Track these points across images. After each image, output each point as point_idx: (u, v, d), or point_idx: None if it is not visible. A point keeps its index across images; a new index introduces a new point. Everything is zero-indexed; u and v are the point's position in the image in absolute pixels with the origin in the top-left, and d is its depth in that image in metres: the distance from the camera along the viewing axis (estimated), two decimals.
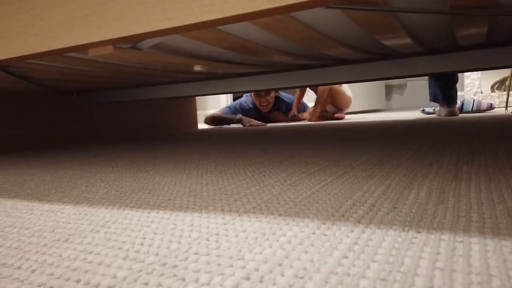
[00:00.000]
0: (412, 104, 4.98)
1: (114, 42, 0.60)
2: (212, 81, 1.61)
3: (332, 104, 2.78)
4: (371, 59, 1.26)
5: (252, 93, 2.84)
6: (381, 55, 1.22)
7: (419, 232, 0.33)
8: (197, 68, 1.24)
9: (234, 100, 3.77)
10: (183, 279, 0.27)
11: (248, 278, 0.27)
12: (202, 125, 2.89)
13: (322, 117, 2.81)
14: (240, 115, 2.79)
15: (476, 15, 0.63)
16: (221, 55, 1.07)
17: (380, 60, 1.26)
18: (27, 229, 0.43)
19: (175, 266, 0.30)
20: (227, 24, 0.52)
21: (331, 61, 1.28)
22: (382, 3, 0.62)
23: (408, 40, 0.93)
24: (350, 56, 1.18)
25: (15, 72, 1.11)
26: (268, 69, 1.41)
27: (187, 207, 0.48)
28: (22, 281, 0.29)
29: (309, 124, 2.39)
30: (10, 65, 1.02)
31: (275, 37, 0.88)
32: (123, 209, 0.49)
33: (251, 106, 2.88)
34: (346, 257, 0.29)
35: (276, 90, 2.85)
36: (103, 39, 0.58)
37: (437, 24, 0.83)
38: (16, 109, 1.63)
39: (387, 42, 0.94)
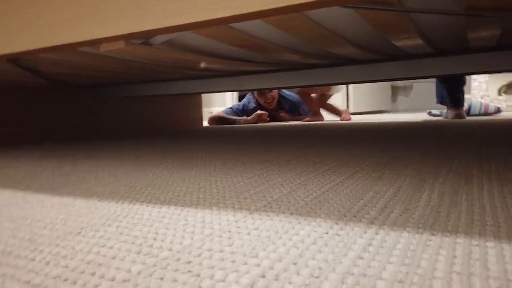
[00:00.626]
0: (417, 106, 4.96)
1: (126, 37, 0.60)
2: (220, 79, 1.61)
3: (312, 92, 2.73)
4: (380, 59, 1.26)
5: (256, 93, 2.84)
6: (390, 56, 1.21)
7: (433, 235, 0.33)
8: (206, 65, 1.24)
9: (239, 98, 3.77)
10: (198, 275, 0.27)
11: (263, 276, 0.27)
12: (207, 123, 2.89)
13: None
14: (245, 117, 2.80)
15: (492, 17, 0.62)
16: (230, 52, 1.07)
17: (389, 61, 1.25)
18: (39, 221, 0.43)
19: (189, 262, 0.30)
20: (240, 21, 0.52)
21: (340, 60, 1.28)
22: (397, 3, 0.62)
23: (419, 41, 0.93)
24: (359, 56, 1.18)
25: (26, 66, 1.11)
26: (276, 68, 1.41)
27: (198, 204, 0.48)
28: (37, 273, 0.29)
29: (315, 124, 2.39)
30: (21, 59, 1.03)
31: (286, 35, 0.88)
32: (134, 204, 0.49)
33: (254, 105, 2.88)
34: (361, 258, 0.29)
35: (285, 89, 2.85)
36: (116, 34, 0.58)
37: (450, 25, 0.83)
38: (23, 103, 1.63)
39: (398, 43, 0.93)
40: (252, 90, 2.85)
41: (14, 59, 1.03)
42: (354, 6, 0.59)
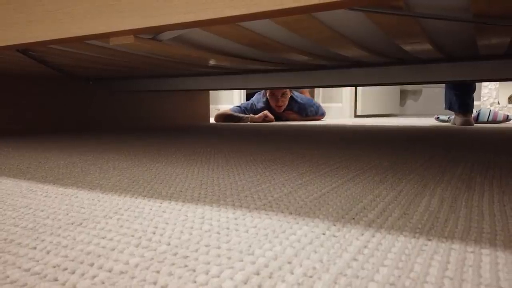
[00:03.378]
0: (426, 111, 4.94)
1: (135, 32, 0.61)
2: (227, 76, 1.61)
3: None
4: (389, 63, 1.26)
5: (268, 94, 2.85)
6: (399, 60, 1.21)
7: (429, 240, 0.33)
8: (214, 62, 1.25)
9: (247, 96, 3.78)
10: (194, 270, 0.28)
11: (258, 274, 0.27)
12: (213, 120, 2.90)
13: None
14: (251, 115, 2.81)
15: (500, 25, 0.62)
16: (239, 50, 1.07)
17: (397, 65, 1.25)
18: (42, 210, 0.44)
19: (186, 257, 0.30)
20: (250, 20, 0.52)
21: (348, 62, 1.28)
22: (405, 8, 0.62)
23: (428, 46, 0.92)
24: (368, 58, 1.18)
25: (35, 57, 1.13)
26: (284, 67, 1.41)
27: (198, 200, 0.48)
28: (38, 261, 0.30)
29: (322, 125, 2.39)
30: (31, 49, 1.04)
31: (294, 36, 0.88)
32: (136, 198, 0.50)
33: (263, 105, 2.89)
34: (355, 260, 0.29)
35: (291, 89, 2.87)
36: (125, 28, 0.59)
37: (459, 31, 0.82)
38: (33, 94, 1.65)
39: (407, 47, 0.93)
40: (259, 89, 2.87)
41: (24, 49, 1.05)
42: (363, 9, 0.59)
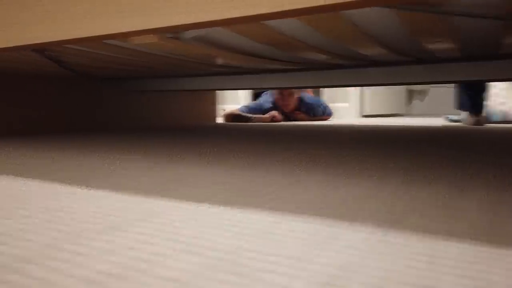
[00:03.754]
0: (432, 111, 4.91)
1: (137, 33, 0.59)
2: (241, 76, 1.60)
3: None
4: (405, 61, 1.24)
5: (276, 94, 2.86)
6: (417, 59, 1.19)
7: (488, 246, 0.32)
8: (231, 61, 1.24)
9: (254, 96, 3.77)
10: (248, 276, 0.27)
11: (324, 283, 0.26)
12: (222, 119, 2.89)
13: None
14: (259, 115, 2.81)
15: None
16: (257, 49, 1.06)
17: (415, 64, 1.23)
18: (74, 213, 0.43)
19: (239, 264, 0.29)
20: (276, 19, 0.51)
21: (366, 62, 1.26)
22: (436, 5, 0.60)
23: (451, 45, 0.91)
24: (386, 57, 1.16)
25: (52, 56, 1.12)
26: (299, 67, 1.40)
27: (227, 202, 0.47)
28: (83, 266, 0.29)
29: (330, 125, 2.37)
30: (48, 49, 1.03)
31: (316, 34, 0.86)
32: (169, 200, 0.49)
33: (270, 105, 2.88)
34: (413, 267, 0.28)
35: (306, 89, 2.87)
36: (125, 30, 0.58)
37: (486, 30, 0.81)
38: (46, 93, 1.65)
39: (431, 46, 0.91)
40: (274, 88, 2.86)
41: (40, 49, 1.04)
42: (395, 6, 0.58)
